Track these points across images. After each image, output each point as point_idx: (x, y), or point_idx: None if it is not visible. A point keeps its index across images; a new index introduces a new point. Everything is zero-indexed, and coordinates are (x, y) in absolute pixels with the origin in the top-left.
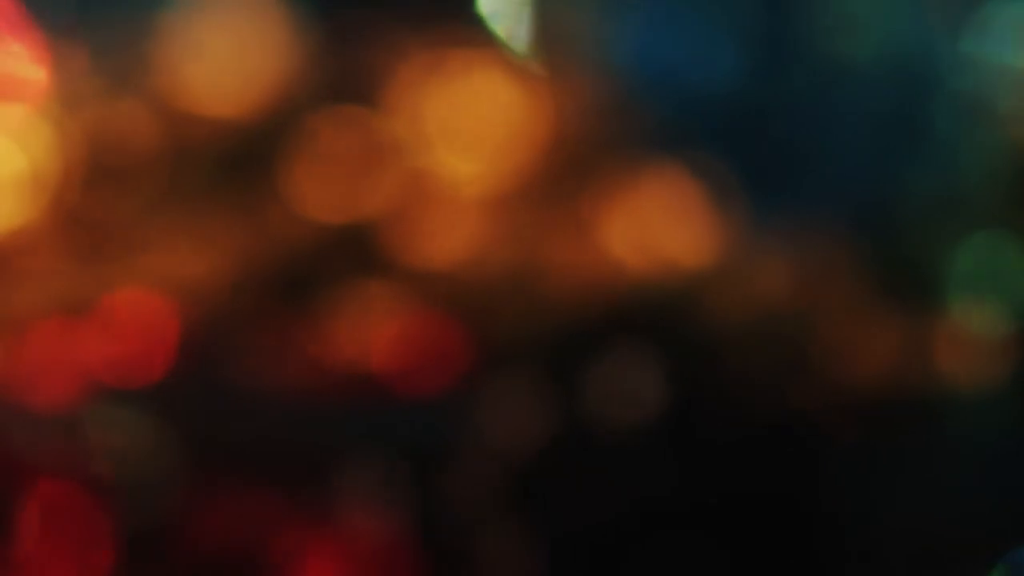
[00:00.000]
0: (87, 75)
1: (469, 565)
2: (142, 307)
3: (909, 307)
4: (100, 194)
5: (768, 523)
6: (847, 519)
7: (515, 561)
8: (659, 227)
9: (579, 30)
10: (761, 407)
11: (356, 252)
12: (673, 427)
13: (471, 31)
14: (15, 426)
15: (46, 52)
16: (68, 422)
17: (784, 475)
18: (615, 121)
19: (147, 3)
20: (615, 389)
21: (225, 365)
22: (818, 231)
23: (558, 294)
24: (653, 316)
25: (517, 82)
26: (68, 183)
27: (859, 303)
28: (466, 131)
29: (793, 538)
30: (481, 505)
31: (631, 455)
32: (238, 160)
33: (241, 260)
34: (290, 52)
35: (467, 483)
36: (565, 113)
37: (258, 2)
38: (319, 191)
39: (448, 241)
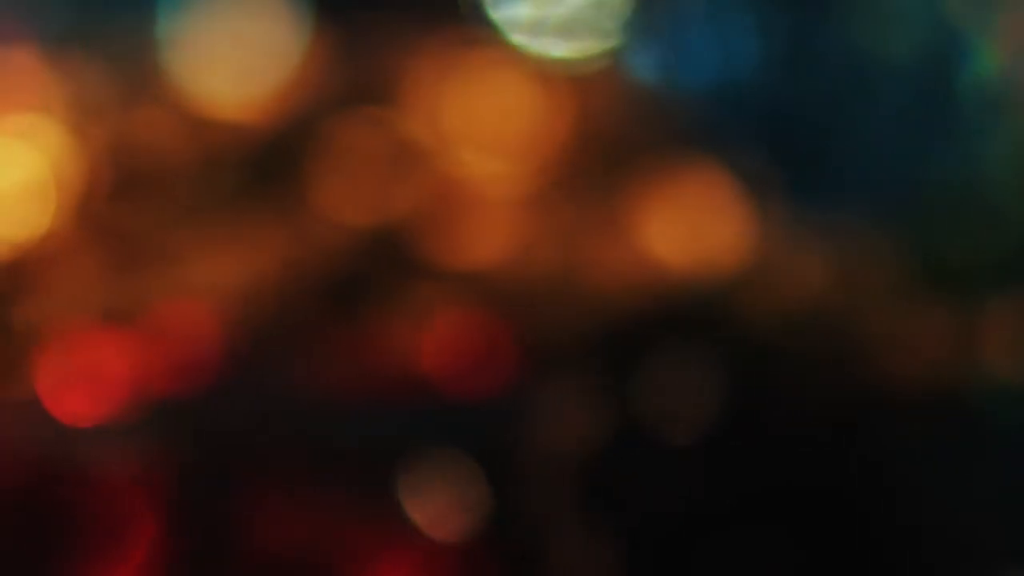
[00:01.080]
0: (113, 84)
1: (523, 564)
2: (183, 315)
3: (948, 299)
4: (135, 203)
5: (815, 515)
6: (892, 510)
7: (568, 560)
8: (699, 223)
9: (612, 27)
10: (805, 400)
11: (395, 255)
12: (718, 422)
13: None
14: (58, 435)
15: (74, 62)
16: (113, 431)
17: (829, 467)
18: (651, 118)
19: (170, 11)
20: (662, 385)
21: (269, 370)
22: (856, 225)
23: (603, 292)
24: (697, 312)
25: (549, 82)
26: (103, 193)
27: (898, 296)
28: (499, 132)
29: (839, 529)
30: (536, 504)
31: (680, 451)
32: (271, 165)
33: (281, 265)
34: (316, 56)
35: (522, 483)
36: (602, 111)
37: (282, 7)
38: (355, 194)
39: (490, 242)
